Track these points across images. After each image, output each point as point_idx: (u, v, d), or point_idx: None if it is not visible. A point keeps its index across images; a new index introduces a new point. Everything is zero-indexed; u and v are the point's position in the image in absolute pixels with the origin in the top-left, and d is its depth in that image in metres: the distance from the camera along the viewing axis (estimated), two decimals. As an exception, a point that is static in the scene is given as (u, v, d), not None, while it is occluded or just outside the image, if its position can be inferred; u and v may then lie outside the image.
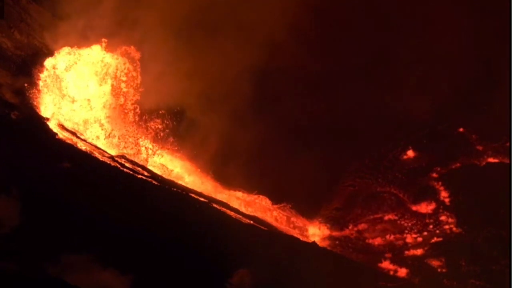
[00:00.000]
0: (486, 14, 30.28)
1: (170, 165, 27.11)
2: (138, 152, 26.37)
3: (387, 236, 26.97)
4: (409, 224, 27.18)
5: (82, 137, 24.53)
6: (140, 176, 23.54)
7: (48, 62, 25.58)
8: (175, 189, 23.96)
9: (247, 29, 28.60)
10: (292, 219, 27.87)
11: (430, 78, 30.44)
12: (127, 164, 23.98)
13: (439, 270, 25.28)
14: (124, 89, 26.73)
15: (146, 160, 26.31)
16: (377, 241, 26.93)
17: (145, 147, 26.68)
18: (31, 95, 24.65)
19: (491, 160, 28.32)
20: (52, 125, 23.88)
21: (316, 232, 27.69)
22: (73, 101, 25.53)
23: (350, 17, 30.72)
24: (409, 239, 26.71)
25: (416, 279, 25.08)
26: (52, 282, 17.04)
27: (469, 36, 29.80)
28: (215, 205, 24.48)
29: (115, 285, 18.21)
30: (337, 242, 27.21)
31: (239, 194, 27.67)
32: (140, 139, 26.73)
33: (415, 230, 26.95)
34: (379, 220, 27.55)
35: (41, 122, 23.62)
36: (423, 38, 30.75)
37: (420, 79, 30.30)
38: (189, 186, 26.05)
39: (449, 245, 26.09)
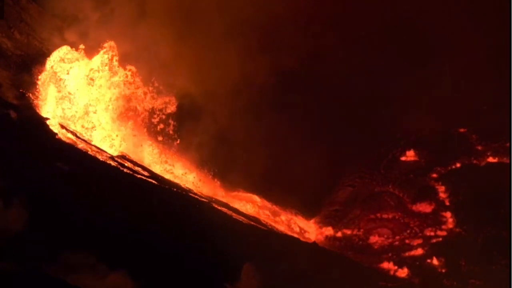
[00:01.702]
0: (488, 15, 30.29)
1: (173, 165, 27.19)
2: (141, 152, 26.46)
3: (387, 236, 26.97)
4: (409, 224, 27.18)
5: (82, 137, 24.52)
6: (140, 176, 23.53)
7: (48, 62, 25.56)
8: (175, 189, 23.96)
9: (257, 31, 28.72)
10: (292, 219, 27.87)
11: (431, 80, 30.46)
12: (127, 164, 23.97)
13: (439, 270, 25.29)
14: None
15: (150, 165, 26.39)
16: (377, 241, 26.93)
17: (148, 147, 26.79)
18: (31, 95, 24.64)
19: (491, 160, 28.34)
20: (52, 125, 23.87)
21: (316, 232, 27.69)
22: (73, 101, 25.53)
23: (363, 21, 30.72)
24: (409, 239, 26.71)
25: (416, 279, 25.08)
26: (52, 282, 17.03)
27: (470, 39, 29.79)
28: (215, 205, 24.48)
29: (115, 285, 18.21)
30: (337, 242, 27.22)
31: (240, 194, 27.68)
32: (144, 141, 26.80)
33: (415, 230, 26.95)
34: (379, 220, 27.55)
35: (41, 122, 23.59)
36: (426, 40, 30.77)
37: (421, 81, 30.32)
38: (190, 186, 26.10)
39: (449, 245, 26.11)
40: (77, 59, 25.79)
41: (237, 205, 26.50)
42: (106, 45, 26.17)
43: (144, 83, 27.18)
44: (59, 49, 25.83)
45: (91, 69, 26.00)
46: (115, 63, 26.40)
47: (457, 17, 30.23)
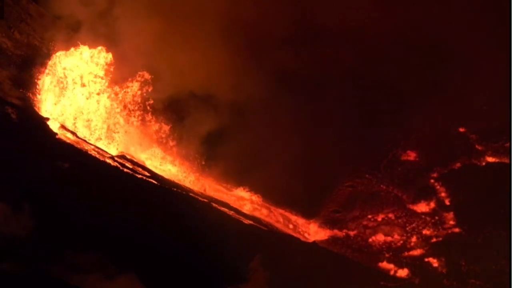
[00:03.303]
0: (488, 15, 30.26)
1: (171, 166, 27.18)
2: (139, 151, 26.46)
3: (387, 236, 26.98)
4: (409, 224, 27.18)
5: (82, 137, 24.53)
6: (140, 176, 23.55)
7: (48, 62, 25.54)
8: (175, 189, 23.97)
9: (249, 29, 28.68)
10: (292, 219, 27.87)
11: (431, 80, 30.42)
12: (127, 164, 23.99)
13: (439, 270, 25.29)
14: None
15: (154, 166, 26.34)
16: (377, 241, 26.94)
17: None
18: (31, 95, 24.65)
19: (491, 160, 28.31)
20: (52, 125, 23.87)
21: (316, 232, 27.69)
22: (74, 101, 25.54)
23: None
24: (409, 239, 26.72)
25: (416, 279, 25.09)
26: (52, 282, 17.05)
27: (470, 39, 29.76)
28: (215, 205, 24.49)
29: (115, 286, 18.22)
30: (337, 242, 27.22)
31: (239, 193, 27.69)
32: (144, 142, 26.79)
33: (415, 230, 26.95)
34: (379, 220, 27.55)
35: (41, 122, 23.61)
36: (427, 41, 30.72)
37: (421, 81, 30.28)
38: (189, 186, 26.10)
39: (449, 245, 26.10)
40: (99, 93, 25.48)
41: (237, 204, 26.51)
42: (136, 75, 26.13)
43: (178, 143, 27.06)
44: (60, 49, 25.83)
45: (109, 127, 25.73)
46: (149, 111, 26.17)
47: (457, 17, 30.20)
